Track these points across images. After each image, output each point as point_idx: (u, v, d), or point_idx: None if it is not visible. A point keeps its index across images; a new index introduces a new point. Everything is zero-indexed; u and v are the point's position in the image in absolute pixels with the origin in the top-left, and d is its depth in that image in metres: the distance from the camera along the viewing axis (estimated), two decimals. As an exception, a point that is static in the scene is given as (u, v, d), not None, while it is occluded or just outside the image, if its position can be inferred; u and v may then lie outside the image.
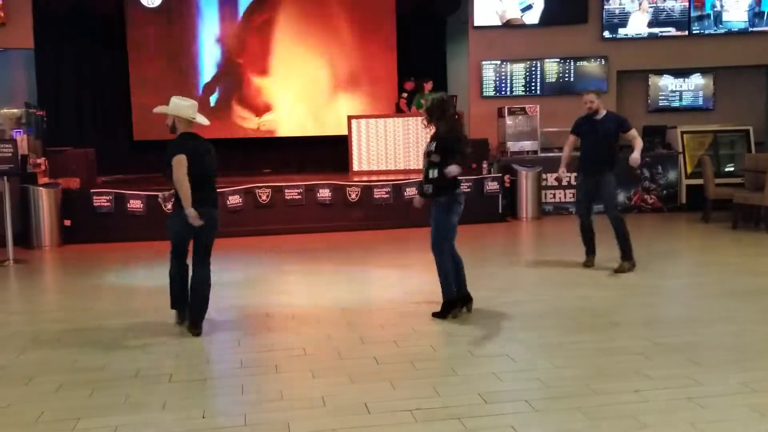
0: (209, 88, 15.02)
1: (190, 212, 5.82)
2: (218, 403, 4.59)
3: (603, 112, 8.14)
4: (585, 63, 14.29)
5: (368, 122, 13.18)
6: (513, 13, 14.13)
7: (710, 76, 14.59)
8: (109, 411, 4.39)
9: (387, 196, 11.72)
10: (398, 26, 15.29)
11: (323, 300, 7.23)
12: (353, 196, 11.72)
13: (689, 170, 13.15)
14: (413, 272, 8.17)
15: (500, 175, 12.43)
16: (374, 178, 12.41)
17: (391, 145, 13.12)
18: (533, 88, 14.36)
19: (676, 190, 13.23)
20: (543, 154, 13.25)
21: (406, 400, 4.42)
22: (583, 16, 14.20)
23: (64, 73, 14.56)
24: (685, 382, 4.63)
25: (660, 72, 14.58)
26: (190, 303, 6.09)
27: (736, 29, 14.23)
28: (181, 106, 6.04)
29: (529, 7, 14.11)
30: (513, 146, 13.24)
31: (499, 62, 14.27)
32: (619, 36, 14.22)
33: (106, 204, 11.05)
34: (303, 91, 15.28)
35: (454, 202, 6.15)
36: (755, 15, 14.17)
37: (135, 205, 11.01)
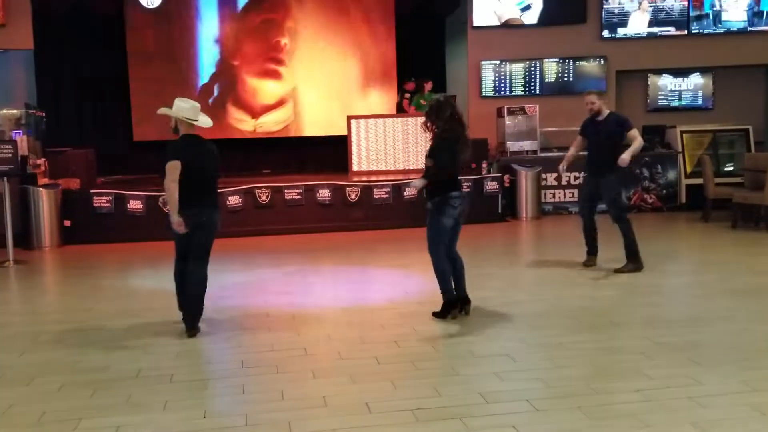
0: (207, 89, 15.00)
1: (174, 219, 5.88)
2: (219, 403, 4.59)
3: (605, 113, 8.12)
4: (584, 63, 14.30)
5: (368, 122, 13.18)
6: (512, 13, 14.13)
7: (709, 75, 14.60)
8: (110, 411, 4.39)
9: (387, 196, 11.73)
10: (397, 26, 15.28)
11: (323, 300, 7.24)
12: (353, 196, 11.73)
13: (689, 170, 13.16)
14: (413, 272, 8.18)
15: (500, 175, 12.43)
16: (374, 178, 12.41)
17: (391, 146, 13.12)
18: (532, 87, 14.36)
19: (676, 189, 13.24)
20: (542, 154, 13.25)
21: (407, 400, 4.43)
22: (582, 16, 14.20)
23: (63, 74, 14.56)
24: (686, 382, 4.64)
25: (659, 72, 14.59)
26: (184, 302, 6.10)
27: (735, 29, 14.23)
28: (182, 108, 6.05)
29: (528, 7, 14.11)
30: (512, 146, 13.23)
31: (498, 62, 14.27)
32: (618, 36, 14.22)
33: (106, 204, 11.05)
34: (301, 91, 15.27)
35: (445, 204, 6.13)
36: (754, 14, 14.18)
37: (135, 205, 11.01)
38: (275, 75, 15.14)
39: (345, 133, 13.32)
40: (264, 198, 11.49)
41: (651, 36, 14.26)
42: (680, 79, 14.62)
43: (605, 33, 14.20)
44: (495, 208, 12.29)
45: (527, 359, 5.22)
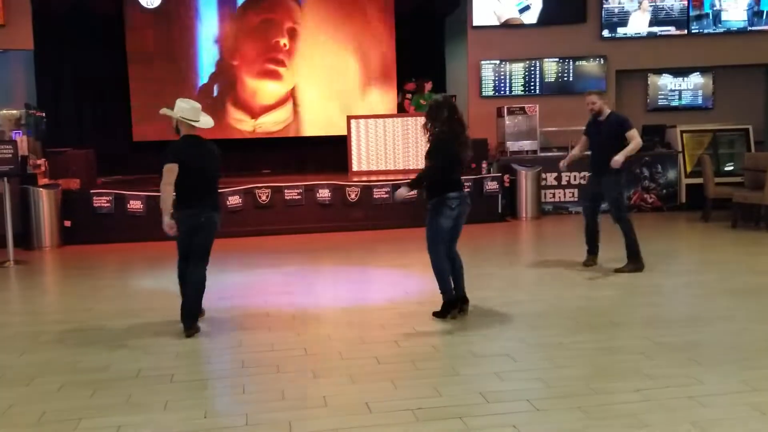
0: (207, 89, 14.99)
1: (165, 221, 5.93)
2: (220, 403, 4.59)
3: (606, 113, 8.10)
4: (584, 62, 14.29)
5: (367, 122, 13.19)
6: (511, 13, 14.13)
7: (709, 75, 14.60)
8: (110, 411, 4.39)
9: (386, 196, 11.72)
10: (397, 26, 15.28)
11: (324, 300, 7.25)
12: (353, 196, 11.73)
13: (689, 169, 13.16)
14: (413, 272, 8.18)
15: (499, 174, 12.44)
16: (374, 178, 12.41)
17: (391, 145, 13.12)
18: (532, 87, 14.36)
19: (676, 189, 13.24)
20: (542, 154, 13.25)
21: (408, 400, 4.43)
22: (582, 16, 14.20)
23: (63, 74, 14.55)
24: (686, 381, 4.64)
25: (659, 71, 14.59)
26: (183, 301, 6.12)
27: (735, 28, 14.23)
28: (183, 109, 6.07)
29: (527, 8, 14.11)
30: (512, 146, 13.24)
31: (498, 62, 14.27)
32: (618, 35, 14.22)
33: (106, 205, 11.06)
34: (301, 91, 15.27)
35: (443, 205, 6.13)
36: (754, 14, 14.17)
37: (135, 205, 11.01)
38: (275, 75, 15.13)
39: (345, 133, 13.33)
40: (264, 198, 11.50)
41: (651, 36, 14.25)
42: (680, 79, 14.62)
43: (605, 33, 14.19)
44: (495, 208, 12.30)
45: (527, 359, 5.22)
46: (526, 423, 4.08)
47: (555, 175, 12.99)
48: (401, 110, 13.92)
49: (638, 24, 14.21)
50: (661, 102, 14.65)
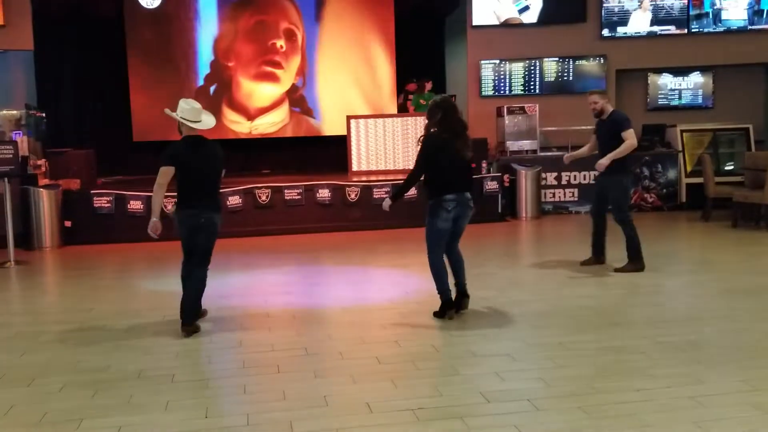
0: (205, 89, 14.98)
1: (151, 222, 6.03)
2: (221, 403, 4.59)
3: (609, 111, 8.06)
4: (584, 62, 14.29)
5: (367, 122, 13.19)
6: (511, 13, 14.12)
7: (710, 74, 14.59)
8: (112, 411, 4.40)
9: (386, 196, 11.67)
10: (397, 26, 15.28)
11: (324, 300, 7.25)
12: (353, 196, 11.73)
13: (689, 169, 13.16)
14: (413, 272, 8.18)
15: (499, 174, 12.44)
16: (373, 178, 12.42)
17: (390, 145, 13.12)
18: (532, 87, 14.36)
19: (676, 188, 13.24)
20: (542, 154, 13.27)
21: (408, 400, 4.43)
22: (582, 15, 14.20)
23: (63, 75, 14.56)
24: (687, 381, 4.64)
25: (659, 70, 14.59)
26: (183, 299, 6.13)
27: (736, 27, 14.23)
28: (183, 109, 6.11)
29: (526, 8, 14.10)
30: (512, 146, 13.25)
31: (497, 61, 14.27)
32: (618, 35, 14.22)
33: (106, 205, 11.07)
34: (307, 91, 15.27)
35: (439, 207, 6.13)
36: (755, 13, 14.17)
37: (135, 205, 11.01)
38: (271, 77, 15.10)
39: (344, 133, 13.33)
40: (264, 198, 11.50)
41: (651, 35, 14.25)
42: (680, 78, 14.62)
43: (605, 32, 14.19)
44: (495, 208, 12.30)
45: (528, 359, 5.23)
46: (526, 423, 4.08)
47: (555, 174, 13.00)
48: (401, 110, 13.91)
49: (638, 23, 14.21)
50: (661, 101, 14.65)
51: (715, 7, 14.18)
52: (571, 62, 14.27)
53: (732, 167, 13.10)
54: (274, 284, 8.13)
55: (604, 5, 14.11)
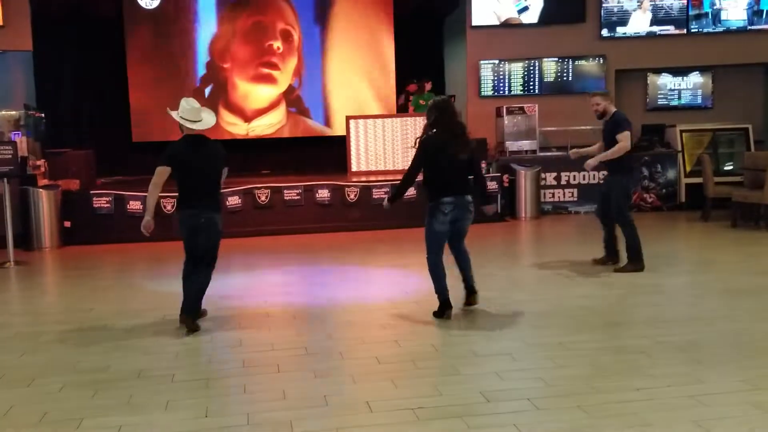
0: (204, 90, 14.96)
1: (145, 220, 6.07)
2: (221, 403, 4.58)
3: (611, 112, 8.02)
4: (583, 62, 14.30)
5: (366, 122, 13.19)
6: (510, 13, 14.12)
7: (709, 74, 14.60)
8: (112, 411, 4.40)
9: (386, 196, 11.68)
10: (396, 26, 15.28)
11: (323, 300, 7.24)
12: (352, 196, 11.73)
13: (688, 169, 13.16)
14: (413, 272, 8.17)
15: (499, 174, 12.44)
16: (373, 178, 12.42)
17: (390, 146, 13.12)
18: (531, 87, 14.35)
19: (676, 188, 13.24)
20: (542, 154, 13.26)
21: (408, 399, 4.43)
22: (581, 15, 14.20)
23: (62, 75, 14.57)
24: (687, 380, 4.65)
25: (658, 71, 14.59)
26: (185, 291, 6.17)
27: (735, 27, 14.23)
28: (183, 109, 6.11)
29: (526, 8, 14.10)
30: (511, 146, 13.24)
31: (497, 62, 14.26)
32: (617, 35, 14.22)
33: (105, 205, 11.06)
34: (304, 92, 15.28)
35: (437, 210, 6.14)
36: (754, 13, 14.18)
37: (135, 206, 11.00)
38: (269, 79, 15.09)
39: (344, 133, 13.33)
40: (263, 198, 11.50)
41: (650, 35, 14.25)
42: (680, 78, 14.62)
43: (604, 32, 14.19)
44: (494, 208, 12.27)
45: (528, 358, 5.23)
46: (526, 422, 4.08)
47: (554, 174, 13.01)
48: (403, 111, 13.90)
49: (638, 23, 14.21)
50: (660, 101, 14.65)
51: (715, 8, 14.18)
52: (570, 62, 14.27)
53: (731, 167, 13.10)
54: (273, 284, 8.14)
55: (604, 5, 14.11)
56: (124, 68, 14.61)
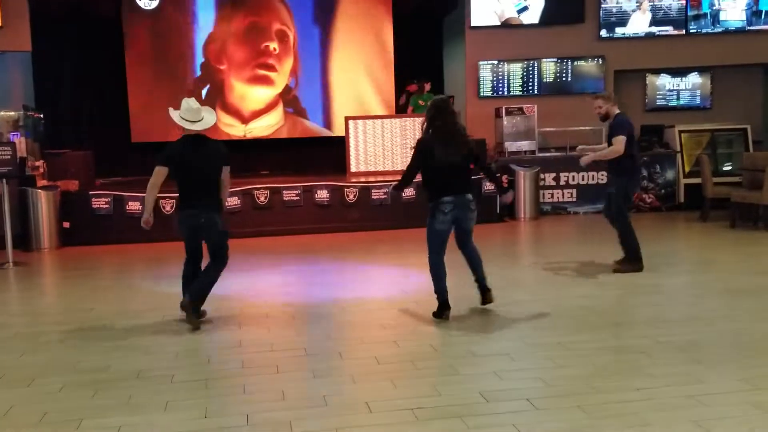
0: (199, 92, 14.92)
1: (144, 217, 6.15)
2: (220, 403, 4.58)
3: (614, 114, 7.95)
4: (582, 63, 14.31)
5: (365, 123, 13.18)
6: (511, 13, 14.12)
7: (708, 75, 14.62)
8: (112, 411, 4.39)
9: (385, 196, 11.73)
10: (396, 26, 15.29)
11: (323, 300, 7.24)
12: (351, 197, 11.73)
13: (687, 169, 13.17)
14: (412, 272, 8.17)
15: (498, 175, 12.40)
16: (372, 178, 12.41)
17: (389, 146, 13.12)
18: (530, 88, 14.36)
19: (674, 189, 13.25)
20: (541, 154, 13.27)
21: (408, 399, 4.43)
22: (581, 16, 14.21)
23: (61, 76, 14.57)
24: (687, 380, 4.64)
25: (657, 71, 14.61)
26: (192, 280, 6.24)
27: (734, 28, 14.24)
28: (182, 109, 6.12)
29: (525, 8, 14.11)
30: (510, 146, 13.24)
31: (496, 62, 14.27)
32: (616, 35, 14.23)
33: (104, 206, 11.05)
34: (299, 92, 15.28)
35: (436, 210, 6.14)
36: (753, 14, 14.20)
37: (134, 206, 10.99)
38: (267, 80, 15.08)
39: (343, 134, 13.33)
40: (262, 199, 11.49)
41: (649, 36, 14.26)
42: (678, 79, 14.64)
43: (603, 33, 14.20)
44: (493, 209, 12.28)
45: (527, 358, 5.23)
46: (525, 422, 4.08)
47: (553, 175, 13.01)
48: (403, 112, 13.90)
49: (637, 24, 14.22)
50: (659, 102, 14.67)
51: (714, 8, 14.19)
52: (569, 63, 14.28)
53: (730, 168, 13.12)
54: (273, 284, 8.14)
55: (603, 6, 14.12)
56: (123, 68, 14.62)
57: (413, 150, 6.27)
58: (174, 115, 6.15)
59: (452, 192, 6.12)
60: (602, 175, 12.68)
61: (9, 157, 9.47)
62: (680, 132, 13.35)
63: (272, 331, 6.10)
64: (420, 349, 5.47)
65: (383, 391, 4.60)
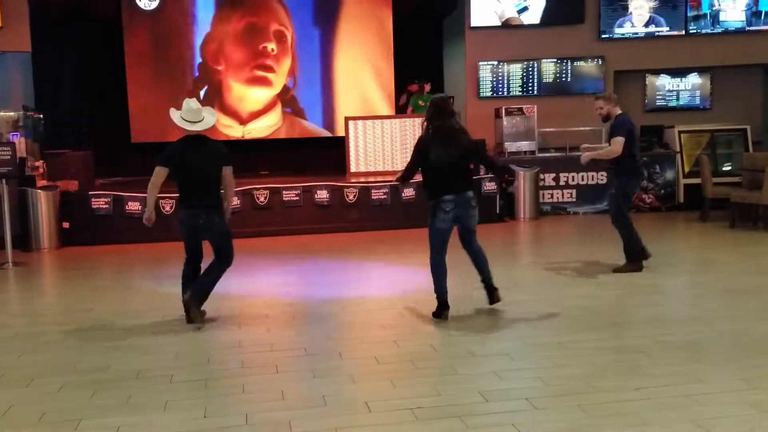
0: (198, 93, 14.92)
1: (145, 215, 6.19)
2: (219, 403, 4.58)
3: (615, 115, 7.94)
4: (582, 63, 14.31)
5: (365, 123, 13.18)
6: (511, 13, 14.12)
7: (707, 75, 14.62)
8: (111, 412, 4.39)
9: (385, 196, 11.73)
10: (396, 27, 15.29)
11: (323, 300, 7.24)
12: (351, 197, 11.73)
13: (687, 169, 13.17)
14: (412, 272, 8.17)
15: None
16: (371, 179, 12.41)
17: (389, 146, 13.11)
18: (530, 88, 14.36)
19: (674, 189, 13.25)
20: (540, 155, 13.27)
21: (407, 399, 4.43)
22: (580, 16, 14.21)
23: (61, 76, 14.57)
24: (686, 380, 4.64)
25: (657, 72, 14.61)
26: (196, 277, 6.27)
27: (734, 28, 14.24)
28: (183, 110, 6.12)
29: (525, 9, 14.11)
30: (510, 147, 13.24)
31: (495, 63, 14.27)
32: (616, 35, 14.23)
33: (104, 206, 11.05)
34: (299, 92, 15.28)
35: (437, 208, 6.15)
36: (753, 14, 14.20)
37: (133, 207, 10.99)
38: (265, 81, 15.09)
39: (342, 134, 13.32)
40: (262, 199, 11.49)
41: (649, 36, 14.27)
42: (678, 79, 14.65)
43: (603, 33, 14.19)
44: (493, 209, 12.28)
45: (527, 358, 5.23)
46: (525, 422, 4.08)
47: (553, 175, 13.01)
48: (403, 112, 13.90)
49: (636, 24, 14.21)
50: (659, 102, 14.67)
51: (713, 9, 14.19)
52: (569, 63, 14.28)
53: (730, 168, 13.12)
54: (273, 284, 8.14)
55: (603, 6, 14.10)
56: (122, 69, 14.62)
57: (414, 149, 6.28)
58: (174, 115, 6.15)
59: (453, 190, 6.12)
60: (602, 175, 12.69)
61: (9, 157, 9.47)
62: (680, 132, 13.35)
63: (272, 331, 6.10)
64: (420, 349, 5.47)
65: (383, 391, 4.60)
